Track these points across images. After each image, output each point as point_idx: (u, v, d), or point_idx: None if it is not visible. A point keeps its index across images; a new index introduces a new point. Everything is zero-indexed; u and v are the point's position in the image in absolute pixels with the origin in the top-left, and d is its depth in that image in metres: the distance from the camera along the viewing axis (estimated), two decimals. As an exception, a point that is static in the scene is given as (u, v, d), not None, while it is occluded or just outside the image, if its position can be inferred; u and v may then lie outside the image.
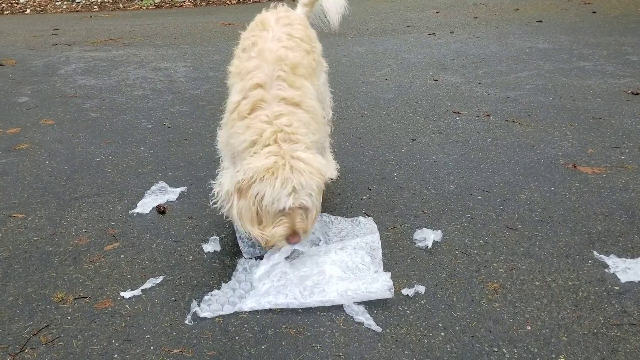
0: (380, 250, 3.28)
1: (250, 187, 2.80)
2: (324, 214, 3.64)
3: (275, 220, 2.87)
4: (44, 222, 3.81)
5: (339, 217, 3.69)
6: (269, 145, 2.86)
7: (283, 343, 2.69)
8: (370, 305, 2.91)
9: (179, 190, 4.20)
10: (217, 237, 3.53)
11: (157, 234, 3.66)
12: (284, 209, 2.82)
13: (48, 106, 6.32)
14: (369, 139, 5.23)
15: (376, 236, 3.40)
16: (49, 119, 5.89)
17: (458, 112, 5.94)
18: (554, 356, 2.57)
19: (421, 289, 3.03)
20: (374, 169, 4.58)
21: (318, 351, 2.63)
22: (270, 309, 2.89)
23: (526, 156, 4.81)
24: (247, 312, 2.88)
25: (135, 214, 3.90)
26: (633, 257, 3.29)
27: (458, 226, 3.71)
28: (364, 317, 2.78)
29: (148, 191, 4.19)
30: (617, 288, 3.03)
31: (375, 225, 3.58)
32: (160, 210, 3.95)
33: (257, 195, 2.80)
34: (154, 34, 10.24)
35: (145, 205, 4.00)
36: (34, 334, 2.76)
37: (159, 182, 4.29)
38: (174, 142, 5.26)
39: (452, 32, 9.65)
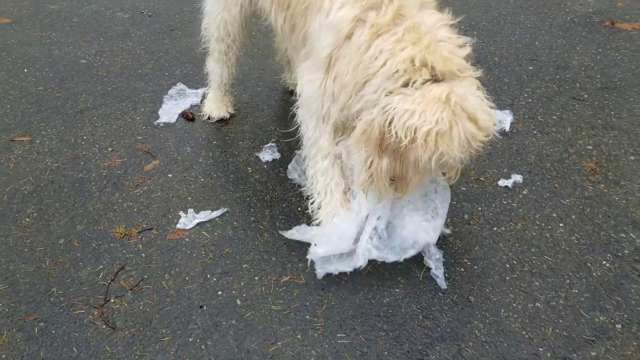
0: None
1: (407, 151, 1.97)
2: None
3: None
4: (57, 144, 3.27)
5: None
6: (427, 80, 1.97)
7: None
8: (473, 202, 2.68)
9: (200, 91, 3.69)
10: (273, 144, 3.13)
11: (197, 145, 3.21)
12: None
13: (-8, 1, 5.37)
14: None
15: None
16: (2, 17, 5.01)
17: (465, -27, 5.45)
18: (686, 235, 2.45)
19: (518, 178, 2.81)
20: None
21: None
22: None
23: (558, 16, 4.49)
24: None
25: (161, 125, 3.41)
26: None
27: (523, 102, 3.44)
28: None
29: (166, 96, 3.65)
30: None
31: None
32: (188, 117, 3.46)
33: (416, 159, 1.98)
34: None
35: (169, 112, 3.49)
36: (112, 280, 2.39)
37: (177, 84, 3.74)
38: (164, 34, 4.60)
39: None
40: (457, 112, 1.91)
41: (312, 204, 2.56)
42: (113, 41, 4.49)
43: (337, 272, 2.31)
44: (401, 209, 2.40)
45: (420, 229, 2.36)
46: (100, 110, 3.58)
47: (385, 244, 2.35)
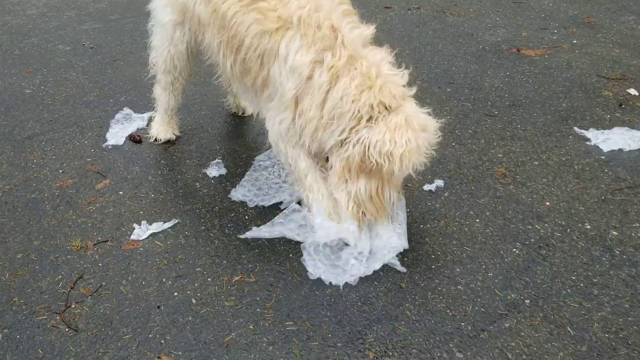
0: None
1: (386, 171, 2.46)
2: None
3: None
4: (8, 168, 3.39)
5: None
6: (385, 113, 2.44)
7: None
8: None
9: (146, 115, 3.90)
10: (219, 160, 3.38)
11: (146, 164, 3.42)
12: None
13: None
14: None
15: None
16: (-61, 51, 5.04)
17: (389, 7, 5.94)
18: (580, 225, 2.86)
19: (440, 182, 3.17)
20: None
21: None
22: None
23: (471, 45, 4.99)
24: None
25: (109, 147, 3.59)
26: (605, 128, 3.64)
27: (443, 119, 3.83)
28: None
29: (113, 120, 3.84)
30: (604, 157, 3.37)
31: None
32: (135, 139, 3.66)
33: (393, 175, 2.50)
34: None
35: (117, 135, 3.68)
36: (71, 288, 2.55)
37: (123, 109, 3.93)
38: (107, 64, 4.79)
39: None
40: (416, 130, 2.39)
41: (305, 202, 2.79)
42: (57, 72, 4.63)
43: (327, 282, 2.54)
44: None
45: (393, 235, 2.68)
46: (49, 135, 3.72)
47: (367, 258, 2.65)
